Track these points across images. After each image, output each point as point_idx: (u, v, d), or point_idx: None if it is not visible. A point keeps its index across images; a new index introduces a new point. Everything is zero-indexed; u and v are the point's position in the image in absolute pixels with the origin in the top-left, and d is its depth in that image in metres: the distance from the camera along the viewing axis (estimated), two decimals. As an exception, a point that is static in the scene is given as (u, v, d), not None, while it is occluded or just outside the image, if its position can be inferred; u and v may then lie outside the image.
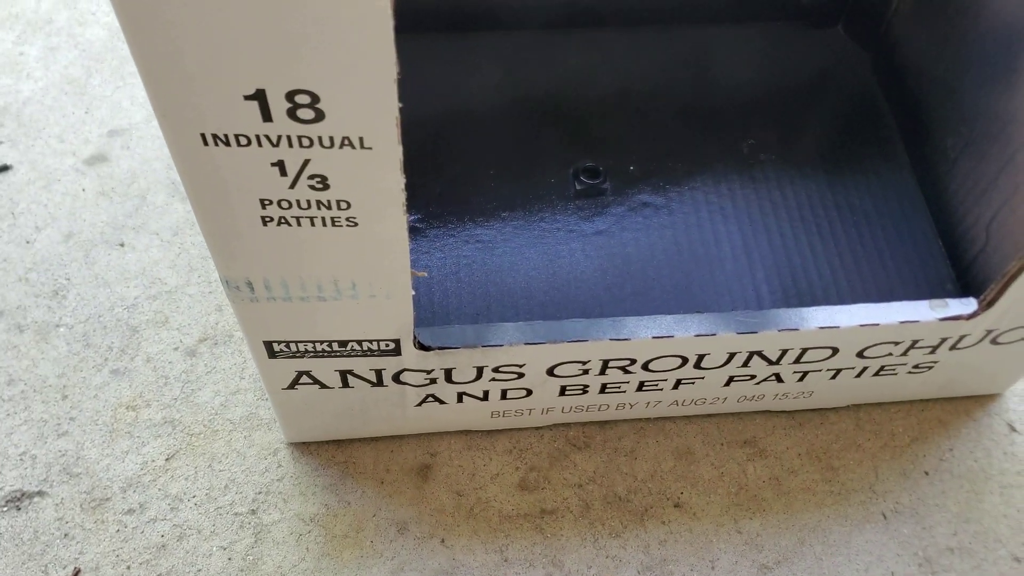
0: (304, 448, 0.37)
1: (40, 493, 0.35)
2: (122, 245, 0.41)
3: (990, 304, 0.31)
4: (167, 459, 0.36)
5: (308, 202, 0.23)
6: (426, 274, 0.26)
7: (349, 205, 0.23)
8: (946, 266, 0.41)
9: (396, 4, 0.18)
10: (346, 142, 0.21)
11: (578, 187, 0.42)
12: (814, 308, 0.32)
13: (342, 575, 0.34)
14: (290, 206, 0.23)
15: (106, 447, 0.36)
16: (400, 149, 0.21)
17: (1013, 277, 0.30)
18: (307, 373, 0.31)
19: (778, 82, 0.46)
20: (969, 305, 0.32)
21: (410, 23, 0.46)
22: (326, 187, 0.22)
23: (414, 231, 0.41)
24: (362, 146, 0.21)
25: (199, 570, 0.34)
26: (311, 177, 0.22)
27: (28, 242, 0.41)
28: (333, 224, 0.23)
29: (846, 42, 0.48)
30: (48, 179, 0.43)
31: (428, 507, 0.36)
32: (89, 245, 0.41)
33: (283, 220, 0.23)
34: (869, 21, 0.47)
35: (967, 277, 0.40)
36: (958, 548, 0.36)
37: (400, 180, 0.22)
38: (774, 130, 0.45)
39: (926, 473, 0.38)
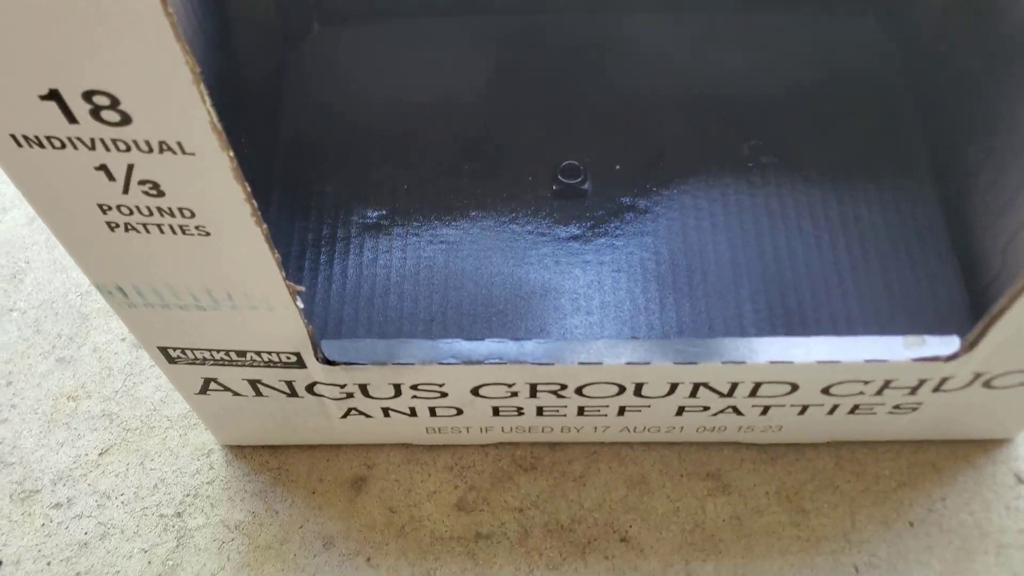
0: (238, 451, 0.35)
1: (-27, 480, 0.35)
2: (85, 230, 0.40)
3: (973, 345, 0.27)
4: (100, 454, 0.35)
5: (148, 208, 0.21)
6: (303, 289, 0.24)
7: (193, 214, 0.21)
8: (961, 292, 0.36)
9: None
10: (164, 147, 0.19)
11: (556, 187, 0.39)
12: (766, 339, 0.28)
13: (260, 588, 0.33)
14: (131, 212, 0.21)
15: (43, 437, 0.36)
16: (227, 156, 0.19)
17: (996, 317, 0.26)
18: (215, 380, 0.30)
19: (793, 77, 0.42)
20: (951, 344, 0.28)
21: (394, 6, 0.43)
22: (161, 194, 0.20)
23: (377, 228, 0.39)
24: (183, 152, 0.19)
25: (117, 571, 0.33)
26: (142, 183, 0.20)
27: (-4, 223, 0.41)
28: (184, 232, 0.22)
29: (876, 34, 0.43)
30: (23, 159, 0.42)
31: (358, 522, 0.34)
32: (54, 228, 0.40)
33: (129, 226, 0.22)
34: (902, 11, 0.42)
35: (982, 306, 0.36)
36: (938, 612, 0.32)
37: (238, 189, 0.20)
38: (782, 130, 0.41)
39: (911, 524, 0.34)
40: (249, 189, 0.20)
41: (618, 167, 0.40)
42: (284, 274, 0.24)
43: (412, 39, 0.44)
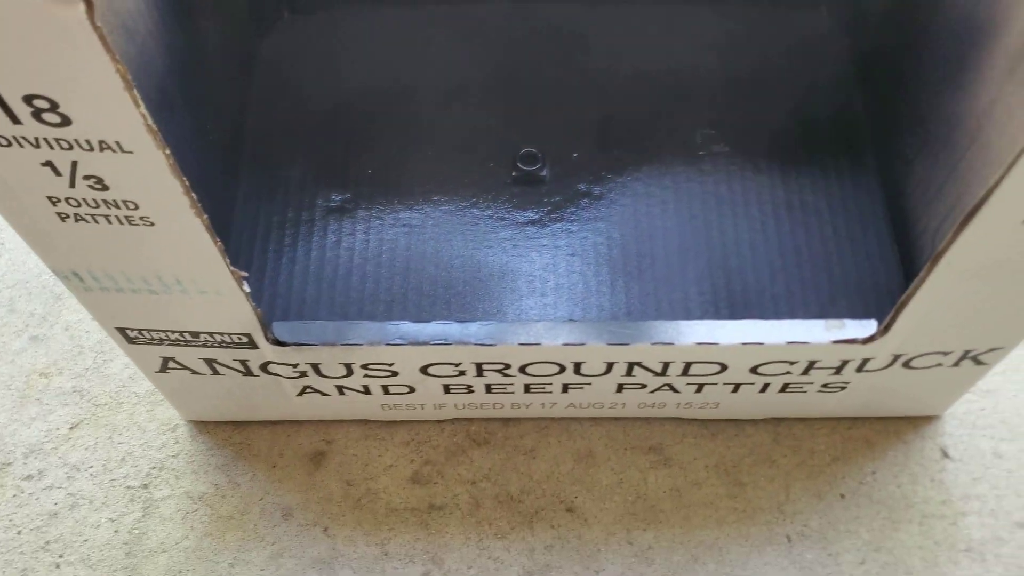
0: (202, 427, 0.37)
1: (-50, 453, 0.36)
2: (57, 213, 0.42)
3: (887, 328, 0.29)
4: (71, 428, 0.37)
5: (95, 201, 0.22)
6: (246, 275, 0.25)
7: (136, 206, 0.22)
8: (899, 274, 0.38)
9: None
10: (104, 146, 0.20)
11: (515, 173, 0.41)
12: (693, 322, 0.30)
13: (222, 556, 0.34)
14: (79, 204, 0.22)
15: (15, 412, 0.37)
16: (163, 154, 0.20)
17: (906, 302, 0.28)
18: (173, 359, 0.31)
19: (746, 68, 0.43)
20: (868, 327, 0.30)
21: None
22: (105, 188, 0.22)
23: (341, 211, 0.40)
24: (122, 150, 0.20)
25: (85, 540, 0.35)
26: (87, 178, 0.21)
27: (-29, 206, 0.42)
28: (129, 223, 0.23)
29: (828, 26, 0.44)
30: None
31: (316, 495, 0.35)
32: (28, 211, 0.42)
33: (79, 217, 0.23)
34: (854, 3, 0.43)
35: (915, 288, 0.37)
36: (863, 579, 0.34)
37: (177, 184, 0.21)
38: (733, 119, 0.42)
39: (842, 496, 0.35)
40: (187, 183, 0.22)
41: (575, 155, 0.41)
42: (228, 261, 0.25)
43: (378, 27, 0.45)
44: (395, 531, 0.35)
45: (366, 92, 0.43)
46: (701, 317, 0.37)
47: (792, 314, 0.37)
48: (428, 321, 0.31)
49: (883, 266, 0.38)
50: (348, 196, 0.40)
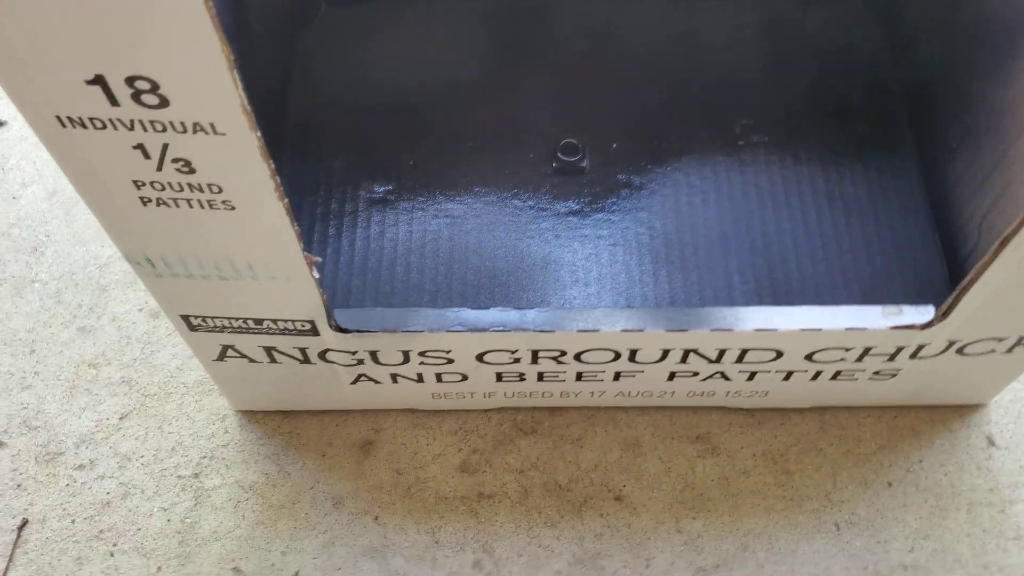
0: (251, 416, 0.37)
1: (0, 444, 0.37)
2: (100, 205, 0.42)
3: (946, 314, 0.29)
4: (121, 418, 0.37)
5: (179, 184, 0.22)
6: (319, 259, 0.26)
7: (221, 189, 0.23)
8: (942, 264, 0.38)
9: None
10: (198, 128, 0.20)
11: (555, 164, 0.41)
12: (752, 308, 0.30)
13: (274, 544, 0.35)
14: (163, 188, 0.23)
15: (65, 402, 0.37)
16: (255, 136, 0.20)
17: (967, 287, 0.28)
18: (232, 347, 0.31)
19: (784, 59, 0.43)
20: (926, 313, 0.30)
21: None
22: (192, 171, 0.22)
23: (384, 202, 0.40)
24: (215, 132, 0.20)
25: (139, 529, 0.35)
26: (175, 160, 0.22)
27: (14, 198, 0.42)
28: (211, 207, 0.23)
29: (864, 18, 0.44)
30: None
31: (366, 483, 0.36)
32: (71, 203, 0.42)
33: (161, 201, 0.23)
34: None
35: (960, 278, 0.37)
36: (912, 566, 0.34)
37: (264, 167, 0.21)
38: (773, 110, 0.42)
39: (889, 484, 0.36)
40: (273, 166, 0.22)
41: (615, 146, 0.42)
42: (303, 245, 0.25)
43: (417, 19, 0.45)
44: (445, 519, 0.35)
45: (405, 84, 0.43)
46: (745, 305, 0.37)
47: (835, 303, 0.37)
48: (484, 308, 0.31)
49: (925, 256, 0.38)
50: (390, 188, 0.41)
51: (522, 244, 0.39)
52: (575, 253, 0.39)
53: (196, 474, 0.36)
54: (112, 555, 0.34)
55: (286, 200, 0.23)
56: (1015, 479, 0.35)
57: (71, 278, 0.40)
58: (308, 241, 0.39)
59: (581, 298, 0.38)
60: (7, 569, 0.34)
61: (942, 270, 0.38)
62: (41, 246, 0.41)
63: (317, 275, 0.27)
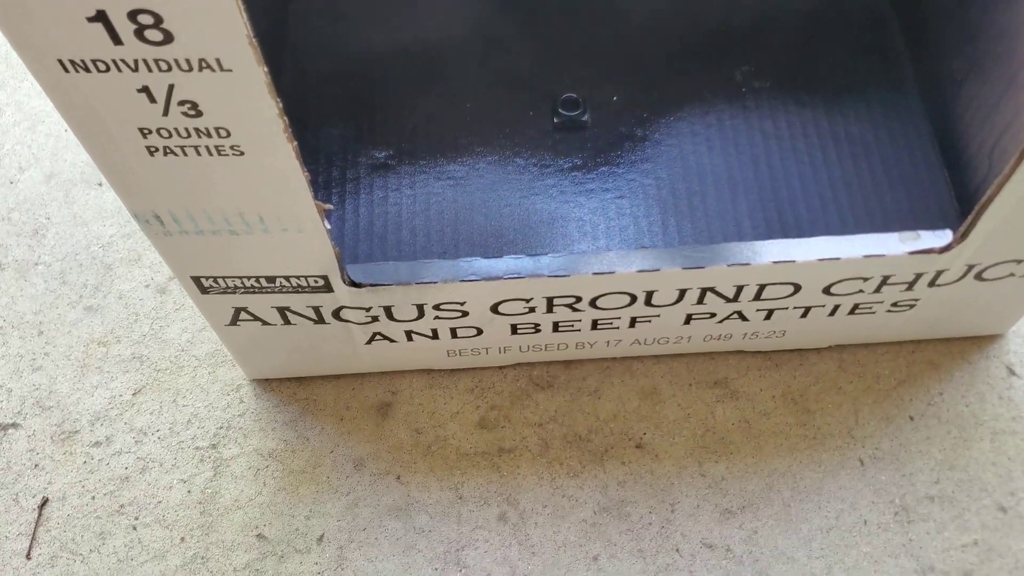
0: (266, 384, 0.37)
1: (14, 425, 0.36)
2: (100, 185, 0.41)
3: (964, 235, 0.29)
4: (134, 394, 0.37)
5: (187, 130, 0.22)
6: (332, 207, 0.25)
7: (229, 133, 0.22)
8: (951, 198, 0.38)
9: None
10: (204, 64, 0.20)
11: (556, 120, 0.41)
12: (768, 241, 0.30)
13: (298, 509, 0.34)
14: (170, 135, 0.22)
15: (77, 381, 0.37)
16: (262, 71, 0.20)
17: (984, 206, 0.28)
18: (244, 309, 0.31)
19: (781, 2, 0.43)
20: (943, 237, 0.30)
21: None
22: (199, 113, 0.21)
23: (386, 167, 0.40)
24: (221, 68, 0.20)
25: (159, 502, 0.34)
26: (181, 103, 0.21)
27: (12, 182, 0.42)
28: (219, 153, 0.23)
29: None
30: (33, 120, 0.43)
31: (386, 444, 0.35)
32: (69, 185, 0.42)
33: (168, 150, 0.23)
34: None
35: (971, 211, 0.37)
36: (939, 496, 0.34)
37: (272, 105, 0.21)
38: (772, 55, 0.42)
39: (911, 418, 0.35)
40: (281, 105, 0.21)
41: (615, 98, 0.41)
42: (314, 193, 0.25)
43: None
44: (467, 475, 0.35)
45: (399, 48, 0.42)
46: (757, 250, 0.37)
47: (848, 242, 0.37)
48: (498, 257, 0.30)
49: (934, 191, 0.38)
50: (391, 152, 0.40)
51: (528, 201, 0.39)
52: (581, 207, 0.39)
53: (214, 445, 0.36)
54: (135, 528, 0.34)
55: (295, 143, 0.23)
56: (1037, 406, 0.35)
57: (75, 259, 0.40)
58: (312, 208, 0.39)
59: (591, 251, 0.38)
60: (31, 547, 0.33)
61: (952, 204, 0.38)
62: (42, 229, 0.41)
63: (329, 226, 0.26)
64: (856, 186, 0.38)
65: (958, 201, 0.38)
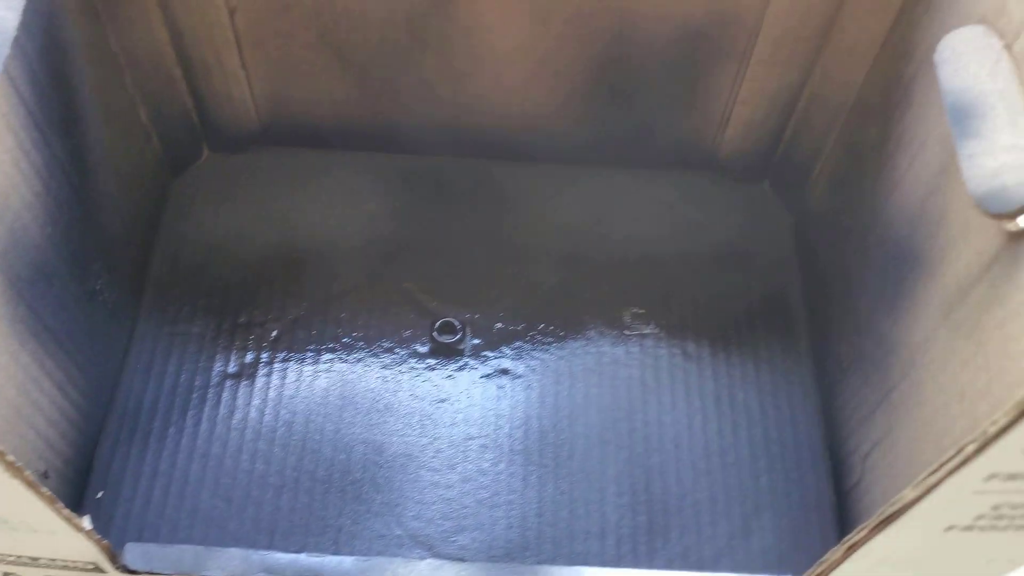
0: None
1: None
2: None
3: (804, 593, 0.26)
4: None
5: None
6: (86, 524, 0.22)
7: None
8: (829, 489, 0.36)
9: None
10: None
11: (432, 345, 0.38)
12: (595, 570, 0.27)
13: None
14: None
15: None
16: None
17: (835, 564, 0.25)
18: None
19: (683, 243, 0.41)
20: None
21: (292, 136, 0.42)
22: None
23: (239, 376, 0.37)
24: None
25: None
26: None
27: None
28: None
29: (771, 202, 0.43)
30: None
31: None
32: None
33: None
34: (796, 179, 0.42)
35: (845, 508, 0.35)
36: None
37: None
38: (665, 298, 0.40)
39: None
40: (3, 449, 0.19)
41: (498, 326, 0.39)
42: (62, 507, 0.22)
43: (301, 171, 0.43)
44: None
45: (282, 241, 0.40)
46: (618, 523, 0.35)
47: (713, 524, 0.35)
48: (299, 548, 0.28)
49: (813, 479, 0.36)
50: (248, 360, 0.38)
51: (383, 436, 0.36)
52: (440, 451, 0.36)
53: None
54: None
55: (26, 473, 0.20)
56: None
57: None
58: (150, 418, 0.36)
59: (440, 503, 0.35)
60: None
61: (829, 496, 0.35)
62: None
63: (89, 527, 0.23)
64: (732, 461, 0.36)
65: (835, 494, 0.35)
